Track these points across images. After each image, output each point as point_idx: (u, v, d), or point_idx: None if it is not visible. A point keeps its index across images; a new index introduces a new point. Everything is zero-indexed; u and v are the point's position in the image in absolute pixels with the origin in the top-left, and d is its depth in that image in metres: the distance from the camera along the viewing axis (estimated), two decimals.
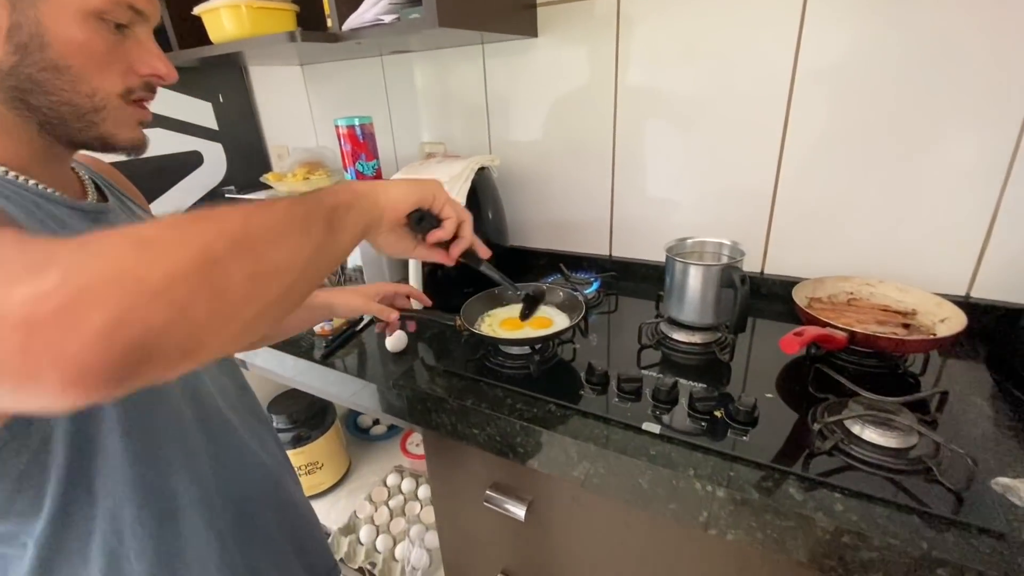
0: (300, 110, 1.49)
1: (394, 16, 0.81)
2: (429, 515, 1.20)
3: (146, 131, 0.52)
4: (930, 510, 0.51)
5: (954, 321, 0.72)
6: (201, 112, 1.41)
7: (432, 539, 1.13)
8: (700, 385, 0.71)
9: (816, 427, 0.60)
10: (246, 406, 0.64)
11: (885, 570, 0.50)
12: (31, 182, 0.45)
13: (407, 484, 1.29)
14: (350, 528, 1.19)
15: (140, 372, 0.25)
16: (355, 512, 1.22)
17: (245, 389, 0.66)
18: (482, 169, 1.04)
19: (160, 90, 0.59)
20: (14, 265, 0.24)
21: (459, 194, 0.97)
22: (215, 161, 1.48)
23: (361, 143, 1.05)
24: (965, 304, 0.77)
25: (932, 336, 0.71)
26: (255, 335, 0.32)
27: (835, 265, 0.90)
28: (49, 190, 0.46)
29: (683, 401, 0.69)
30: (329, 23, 0.90)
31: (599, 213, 1.12)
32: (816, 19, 0.81)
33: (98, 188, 0.55)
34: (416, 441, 1.41)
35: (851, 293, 0.85)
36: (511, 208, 1.18)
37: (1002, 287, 0.80)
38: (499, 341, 0.79)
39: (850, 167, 0.86)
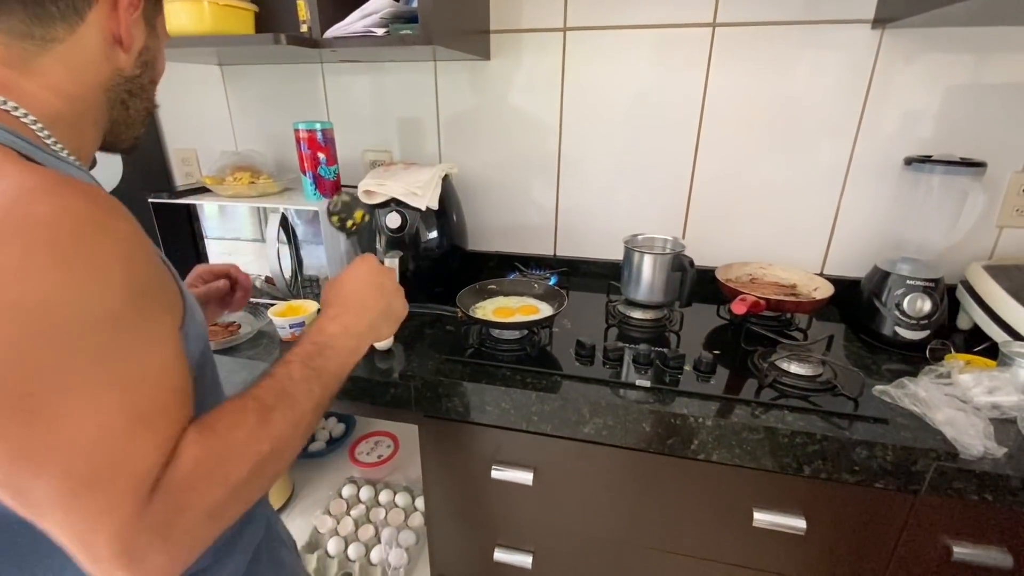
0: (215, 112, 1.40)
1: (384, 30, 0.86)
2: (396, 517, 1.20)
3: None
4: (842, 411, 0.73)
5: (823, 289, 1.00)
6: None
7: (405, 538, 1.15)
8: (663, 350, 0.88)
9: (764, 366, 0.80)
10: None
11: (823, 456, 0.71)
12: None
13: (365, 492, 1.27)
14: (314, 544, 1.14)
15: None
16: (315, 528, 1.17)
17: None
18: (445, 176, 1.11)
19: None
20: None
21: (432, 199, 1.04)
22: (110, 163, 1.31)
23: (323, 147, 1.05)
24: (821, 278, 1.06)
25: (814, 299, 0.97)
26: None
27: (735, 254, 1.15)
28: None
29: (657, 362, 0.86)
30: (304, 28, 0.91)
31: (545, 218, 1.26)
32: (718, 70, 1.06)
33: None
34: (366, 450, 1.39)
35: (751, 274, 1.11)
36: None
37: (843, 265, 1.12)
38: (504, 326, 0.88)
39: (742, 180, 1.12)
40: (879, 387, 0.78)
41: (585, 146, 1.18)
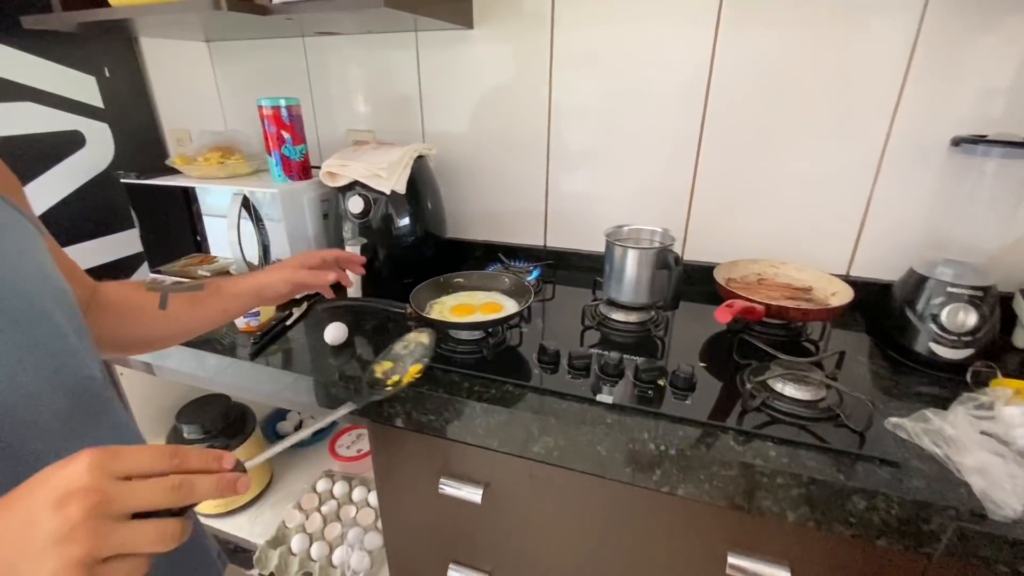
0: (205, 90, 1.36)
1: None
2: (366, 517, 1.15)
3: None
4: (842, 448, 0.60)
5: (842, 294, 0.85)
6: (83, 86, 1.24)
7: (371, 540, 1.09)
8: (641, 359, 0.77)
9: (748, 387, 0.67)
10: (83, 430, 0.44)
11: (811, 503, 0.58)
12: None
13: (339, 488, 1.23)
14: (279, 540, 1.11)
15: None
16: (284, 522, 1.14)
17: (81, 405, 0.44)
18: (420, 158, 1.02)
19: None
20: None
21: (399, 181, 0.95)
22: (100, 143, 1.30)
23: (288, 125, 0.98)
24: (847, 281, 0.90)
25: (827, 307, 0.83)
26: None
27: (745, 250, 1.01)
28: None
29: (629, 374, 0.74)
30: None
31: (535, 204, 1.15)
32: (728, 33, 0.91)
33: None
34: (347, 443, 1.35)
35: (759, 274, 0.96)
36: (445, 198, 1.17)
37: (874, 266, 0.96)
38: (452, 326, 0.79)
39: (755, 165, 0.97)
40: (893, 420, 0.64)
41: (576, 124, 1.06)
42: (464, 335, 0.81)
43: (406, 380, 0.64)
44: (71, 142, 1.23)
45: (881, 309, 0.88)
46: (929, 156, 0.86)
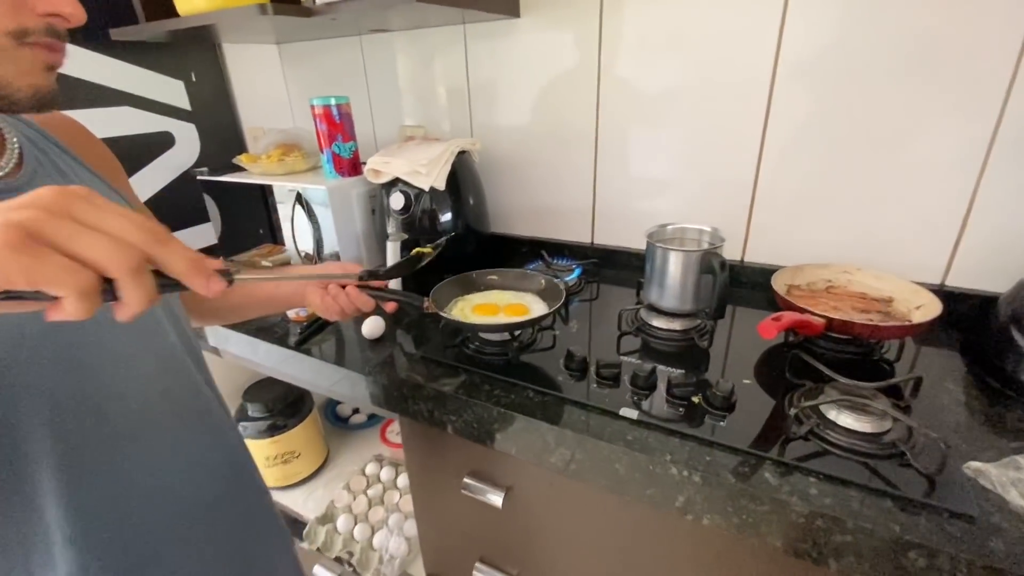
0: (277, 90, 1.45)
1: None
2: (408, 504, 1.18)
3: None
4: (903, 494, 0.51)
5: (929, 308, 0.72)
6: (173, 91, 1.36)
7: (411, 528, 1.12)
8: (678, 371, 0.71)
9: (792, 412, 0.59)
10: (194, 411, 0.57)
11: (858, 553, 0.50)
12: None
13: (386, 473, 1.27)
14: (327, 517, 1.17)
15: None
16: (333, 501, 1.20)
17: (198, 391, 0.58)
18: (463, 153, 1.02)
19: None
20: None
21: (438, 178, 0.95)
22: (188, 142, 1.42)
23: (337, 123, 1.01)
24: (940, 292, 0.77)
25: (907, 322, 0.71)
26: None
27: (815, 253, 0.90)
28: None
29: (661, 387, 0.69)
30: None
31: (582, 200, 1.11)
32: (797, 11, 0.80)
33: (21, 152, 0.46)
34: (396, 430, 1.39)
35: (829, 280, 0.85)
36: (492, 194, 1.16)
37: (977, 275, 0.81)
38: (472, 327, 0.77)
39: (830, 156, 0.86)
40: (974, 464, 0.53)
41: (626, 113, 1.00)
42: (492, 336, 0.80)
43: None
44: (163, 142, 1.37)
45: (981, 326, 0.74)
46: None
